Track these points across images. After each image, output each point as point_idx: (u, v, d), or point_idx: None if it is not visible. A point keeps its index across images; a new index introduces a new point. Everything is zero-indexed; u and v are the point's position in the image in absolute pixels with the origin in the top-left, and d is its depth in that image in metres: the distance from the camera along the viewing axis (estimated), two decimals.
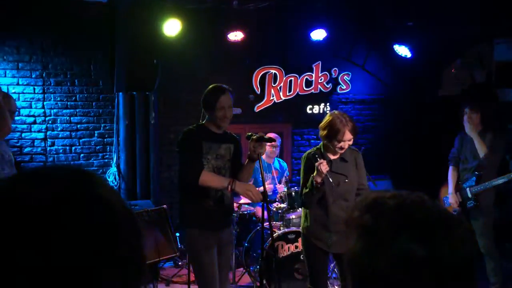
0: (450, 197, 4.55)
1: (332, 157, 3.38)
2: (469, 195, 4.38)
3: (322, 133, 3.34)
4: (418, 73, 6.86)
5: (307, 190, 3.31)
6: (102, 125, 5.56)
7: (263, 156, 5.42)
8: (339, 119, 3.24)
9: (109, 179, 5.43)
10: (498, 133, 4.42)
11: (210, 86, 3.28)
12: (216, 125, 3.24)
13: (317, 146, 3.50)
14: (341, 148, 3.29)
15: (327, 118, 3.35)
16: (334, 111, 3.52)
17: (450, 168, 4.66)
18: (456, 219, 0.84)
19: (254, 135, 3.21)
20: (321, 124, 3.38)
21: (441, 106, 6.96)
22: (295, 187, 5.18)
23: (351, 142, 3.31)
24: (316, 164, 3.17)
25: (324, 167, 3.15)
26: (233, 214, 4.93)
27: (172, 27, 5.12)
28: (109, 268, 0.59)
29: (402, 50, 6.35)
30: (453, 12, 5.52)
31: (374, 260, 0.79)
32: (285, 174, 5.56)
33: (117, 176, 5.41)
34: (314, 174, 3.20)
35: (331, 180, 3.21)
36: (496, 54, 6.90)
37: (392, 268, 0.78)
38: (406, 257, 0.77)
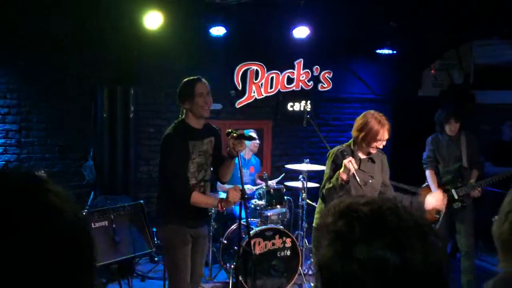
0: (434, 196, 4.46)
1: (362, 156, 3.37)
2: (456, 197, 4.40)
3: (358, 134, 3.29)
4: (399, 74, 6.93)
5: (330, 185, 3.24)
6: (80, 117, 5.44)
7: (244, 153, 5.41)
8: (376, 120, 3.23)
9: (85, 173, 5.33)
10: (471, 135, 4.52)
11: (184, 80, 3.23)
12: (197, 116, 3.16)
13: (347, 143, 3.45)
14: (377, 148, 3.28)
15: (363, 119, 3.30)
16: (369, 111, 3.38)
17: (428, 172, 4.63)
18: (428, 226, 0.84)
19: (235, 133, 3.16)
20: (356, 125, 3.32)
21: (421, 106, 7.05)
22: (277, 185, 5.18)
23: (384, 143, 3.30)
24: (345, 161, 3.12)
25: (352, 165, 3.10)
26: (212, 211, 4.92)
27: (153, 20, 5.04)
28: (59, 276, 0.56)
29: (385, 50, 6.39)
30: (435, 14, 5.57)
31: (346, 266, 0.78)
32: (260, 170, 5.57)
33: (93, 170, 5.32)
34: (341, 170, 3.15)
35: (358, 180, 3.17)
36: (475, 57, 7.02)
37: (365, 274, 0.77)
38: (379, 264, 0.77)
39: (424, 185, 4.74)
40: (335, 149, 3.42)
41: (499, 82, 7.05)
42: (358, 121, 3.32)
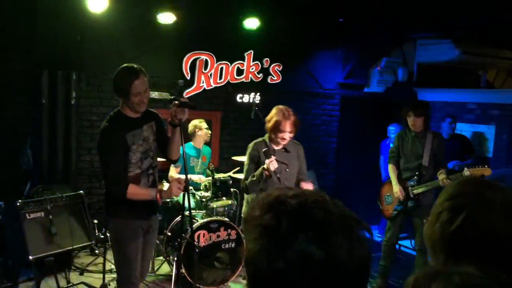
0: (395, 188, 4.55)
1: (276, 147, 3.72)
2: (411, 195, 4.47)
3: (267, 125, 3.65)
4: (346, 70, 7.06)
5: (254, 178, 3.63)
6: (17, 103, 5.14)
7: (195, 142, 5.33)
8: (282, 112, 3.59)
9: (21, 161, 5.05)
10: (439, 135, 4.57)
11: (120, 68, 3.03)
12: (134, 111, 3.06)
13: (263, 137, 3.79)
14: (283, 138, 3.61)
15: (272, 111, 3.67)
16: (279, 105, 3.73)
17: (389, 166, 4.72)
18: (356, 219, 0.83)
19: (177, 100, 3.09)
20: (267, 117, 3.69)
21: (367, 102, 7.23)
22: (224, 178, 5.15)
23: (291, 135, 3.64)
24: (267, 161, 3.50)
25: (272, 165, 3.49)
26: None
27: (97, 3, 4.83)
28: None
29: (331, 45, 6.49)
30: (381, 12, 5.70)
31: (272, 261, 0.76)
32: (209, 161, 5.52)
33: (31, 159, 5.05)
34: (265, 167, 3.51)
35: (278, 176, 3.60)
36: (418, 55, 7.27)
37: (290, 269, 0.75)
38: (304, 259, 0.75)
39: (387, 179, 4.85)
40: (253, 143, 3.81)
41: (440, 80, 7.36)
42: (270, 114, 3.69)
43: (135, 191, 3.01)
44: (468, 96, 6.85)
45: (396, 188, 4.54)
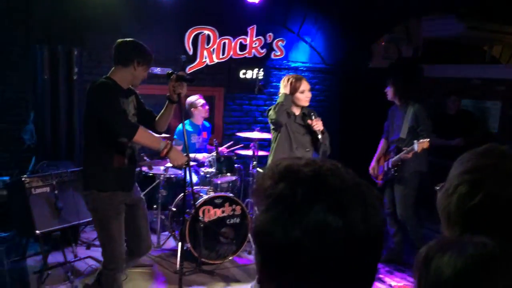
0: (371, 165, 4.86)
1: (296, 112, 3.86)
2: (390, 166, 4.61)
3: (285, 90, 3.78)
4: (350, 45, 6.98)
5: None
6: (18, 79, 5.09)
7: (194, 119, 5.32)
8: (293, 76, 3.81)
9: (25, 137, 5.04)
10: (419, 106, 4.58)
11: (131, 42, 3.04)
12: (127, 83, 3.06)
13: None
14: (306, 97, 3.79)
15: (283, 81, 3.83)
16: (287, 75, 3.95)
17: (381, 140, 4.92)
18: (368, 186, 0.82)
19: (175, 73, 3.09)
20: (281, 87, 3.83)
21: (371, 78, 7.16)
22: (228, 153, 5.15)
23: (310, 94, 3.83)
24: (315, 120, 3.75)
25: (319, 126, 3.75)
26: (161, 177, 4.83)
27: None
28: None
29: (334, 20, 6.39)
30: None
31: (288, 231, 0.75)
32: (211, 136, 5.53)
33: (34, 134, 5.04)
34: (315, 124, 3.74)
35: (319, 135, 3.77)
36: (424, 30, 7.16)
37: (307, 237, 0.74)
38: (321, 227, 0.74)
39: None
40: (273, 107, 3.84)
41: (446, 56, 7.27)
42: (282, 84, 3.85)
43: (144, 133, 2.94)
44: (473, 72, 6.78)
45: (371, 168, 4.87)
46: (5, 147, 5.05)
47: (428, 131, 4.46)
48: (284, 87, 3.79)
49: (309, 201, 0.75)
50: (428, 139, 4.24)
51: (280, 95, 3.80)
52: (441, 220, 1.22)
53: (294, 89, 3.76)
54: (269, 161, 3.80)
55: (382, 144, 4.90)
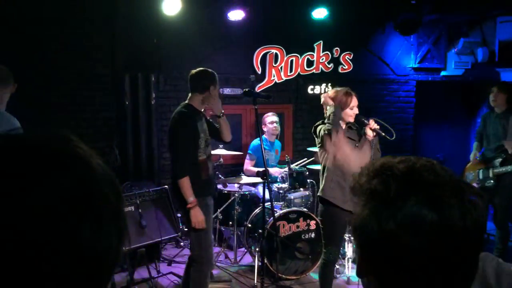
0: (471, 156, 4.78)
1: (343, 125, 3.68)
2: (491, 175, 4.42)
3: (335, 103, 3.59)
4: (421, 53, 6.80)
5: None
6: (102, 106, 5.49)
7: (267, 136, 5.43)
8: (342, 91, 3.60)
9: (110, 160, 5.40)
10: None
11: (204, 71, 3.58)
12: (203, 104, 3.55)
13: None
14: (355, 113, 3.61)
15: (331, 92, 3.66)
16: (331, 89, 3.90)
17: (474, 143, 4.88)
18: (466, 183, 0.83)
19: (251, 92, 3.78)
20: (327, 98, 3.65)
21: (444, 86, 6.91)
22: (300, 168, 5.18)
23: (357, 110, 3.62)
24: (371, 121, 3.53)
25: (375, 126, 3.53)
26: (236, 195, 4.96)
27: (171, 6, 5.04)
28: (90, 228, 0.57)
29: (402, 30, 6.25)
30: None
31: (383, 224, 0.78)
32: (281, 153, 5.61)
33: (118, 157, 5.38)
34: (372, 125, 3.52)
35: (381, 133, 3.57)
36: (499, 33, 6.82)
37: (402, 232, 0.76)
38: (416, 220, 0.76)
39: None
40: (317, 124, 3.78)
41: None
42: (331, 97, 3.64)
43: (186, 184, 3.36)
44: None
45: (472, 155, 4.75)
46: None
47: None
48: (332, 100, 3.62)
49: (403, 195, 0.78)
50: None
51: (328, 108, 3.62)
52: None
53: (344, 105, 3.56)
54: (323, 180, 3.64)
55: (475, 146, 4.81)
